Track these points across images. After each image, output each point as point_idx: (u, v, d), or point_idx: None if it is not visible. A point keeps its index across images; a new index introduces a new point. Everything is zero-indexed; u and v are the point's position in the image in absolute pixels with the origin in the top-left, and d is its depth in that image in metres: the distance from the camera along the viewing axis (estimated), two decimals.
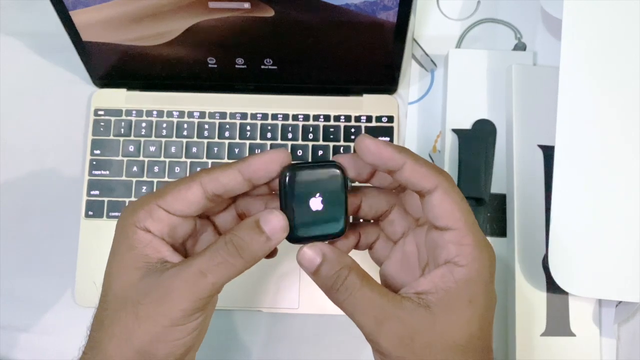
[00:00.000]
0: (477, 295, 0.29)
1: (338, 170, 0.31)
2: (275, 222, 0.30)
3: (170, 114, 0.56)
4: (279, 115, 0.56)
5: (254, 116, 0.56)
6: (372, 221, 0.36)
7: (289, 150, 0.55)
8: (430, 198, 0.29)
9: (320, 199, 0.31)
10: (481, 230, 0.30)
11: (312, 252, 0.30)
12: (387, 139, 0.55)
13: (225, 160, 0.55)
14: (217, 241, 0.30)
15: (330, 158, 0.30)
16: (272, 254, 0.32)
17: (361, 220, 0.37)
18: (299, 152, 0.55)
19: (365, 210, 0.34)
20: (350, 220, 0.34)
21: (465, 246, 0.29)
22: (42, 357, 0.52)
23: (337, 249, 0.31)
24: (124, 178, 0.54)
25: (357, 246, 0.35)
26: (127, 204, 0.54)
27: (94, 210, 0.53)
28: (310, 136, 0.55)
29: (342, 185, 0.31)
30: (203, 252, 0.29)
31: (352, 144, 0.55)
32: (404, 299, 0.29)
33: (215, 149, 0.55)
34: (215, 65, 0.53)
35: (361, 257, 0.34)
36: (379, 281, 0.34)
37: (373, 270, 0.35)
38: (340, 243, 0.34)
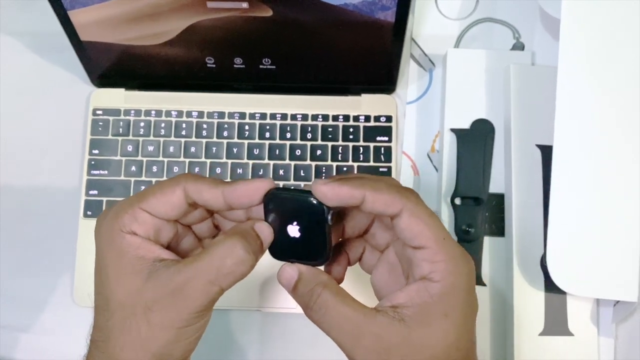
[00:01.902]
0: (454, 307, 0.29)
1: (316, 203, 0.30)
2: (267, 231, 0.31)
3: (168, 113, 0.56)
4: (277, 115, 0.56)
5: (252, 116, 0.56)
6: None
7: (288, 149, 0.55)
8: (399, 221, 0.30)
9: (298, 227, 0.31)
10: (454, 242, 0.30)
11: (290, 270, 0.31)
12: (386, 138, 0.55)
13: (224, 160, 0.55)
14: (222, 244, 0.30)
15: (312, 183, 0.30)
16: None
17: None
18: (298, 152, 0.55)
19: (348, 233, 0.34)
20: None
21: (438, 262, 0.29)
22: (40, 356, 0.52)
23: (313, 267, 0.32)
24: (122, 178, 0.54)
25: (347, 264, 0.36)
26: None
27: (92, 210, 0.54)
28: (309, 136, 0.55)
29: (320, 218, 0.30)
30: (210, 256, 0.29)
31: (350, 144, 0.55)
32: (378, 314, 0.29)
33: (214, 148, 0.55)
34: (214, 65, 0.53)
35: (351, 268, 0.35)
36: (370, 291, 0.35)
37: (363, 278, 0.36)
38: (334, 269, 0.35)
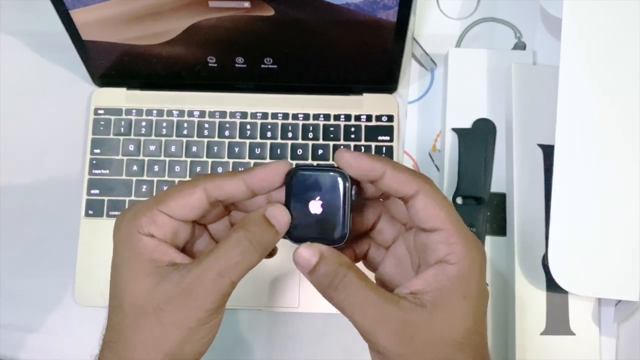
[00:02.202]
0: (470, 290, 0.30)
1: (342, 179, 0.31)
2: (280, 216, 0.31)
3: (170, 113, 0.56)
4: (279, 115, 0.56)
5: (254, 115, 0.56)
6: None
7: (290, 149, 0.55)
8: (414, 202, 0.30)
9: (320, 202, 0.31)
10: (468, 228, 0.31)
11: (309, 251, 0.30)
12: (387, 138, 0.55)
13: (225, 159, 0.55)
14: (229, 239, 0.30)
15: (335, 156, 0.31)
16: (272, 253, 0.33)
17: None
18: (299, 151, 0.55)
19: (356, 227, 0.34)
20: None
21: (454, 244, 0.29)
22: (42, 356, 0.52)
23: (334, 249, 0.31)
24: (124, 177, 0.54)
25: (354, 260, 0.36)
26: (127, 203, 0.54)
27: (94, 209, 0.54)
28: (311, 135, 0.55)
29: (344, 192, 0.31)
30: (217, 252, 0.30)
31: (352, 144, 0.55)
32: (401, 299, 0.29)
33: (215, 148, 0.55)
34: (215, 65, 0.53)
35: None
36: None
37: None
38: None
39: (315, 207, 0.31)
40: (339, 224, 0.31)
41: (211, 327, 0.30)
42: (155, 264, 0.30)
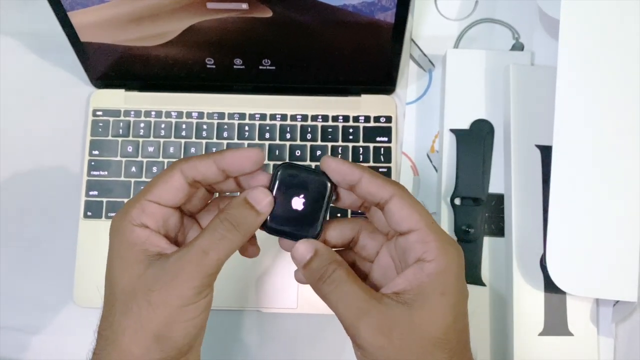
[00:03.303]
0: (449, 287, 0.31)
1: (327, 182, 0.33)
2: (262, 196, 0.33)
3: (168, 114, 0.56)
4: (277, 116, 0.56)
5: (252, 116, 0.56)
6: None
7: (288, 150, 0.55)
8: (389, 207, 0.32)
9: (303, 200, 0.33)
10: (442, 229, 0.32)
11: (305, 247, 0.33)
12: (385, 139, 0.55)
13: None
14: (212, 221, 0.32)
15: (320, 161, 0.34)
16: (255, 252, 0.36)
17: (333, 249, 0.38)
18: (297, 153, 0.55)
19: (332, 242, 0.36)
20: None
21: (429, 242, 0.31)
22: (40, 357, 0.52)
23: (328, 247, 0.33)
24: (122, 178, 0.54)
25: None
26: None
27: (92, 210, 0.54)
28: (309, 136, 0.55)
29: (325, 193, 0.33)
30: (202, 233, 0.32)
31: (350, 145, 0.55)
32: (384, 296, 0.31)
33: (214, 149, 0.55)
34: (214, 66, 0.53)
35: None
36: None
37: None
38: None
39: (298, 203, 0.33)
40: (315, 223, 0.33)
41: (199, 308, 0.31)
42: (145, 252, 0.31)
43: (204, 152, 0.55)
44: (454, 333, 0.31)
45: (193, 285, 0.30)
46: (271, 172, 0.34)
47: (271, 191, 0.33)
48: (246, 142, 0.55)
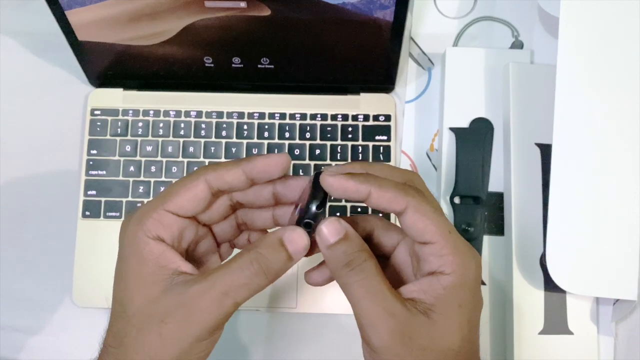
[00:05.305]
0: (466, 299, 0.30)
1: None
2: (300, 242, 0.30)
3: (167, 113, 0.55)
4: (276, 115, 0.55)
5: (251, 115, 0.55)
6: None
7: (287, 149, 0.55)
8: (404, 219, 0.30)
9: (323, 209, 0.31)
10: (460, 236, 0.31)
11: (336, 225, 0.30)
12: (385, 137, 0.55)
13: (223, 160, 0.55)
14: (241, 258, 0.30)
15: (322, 173, 0.31)
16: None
17: None
18: (297, 152, 0.55)
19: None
20: None
21: (446, 256, 0.29)
22: (39, 357, 0.52)
23: (359, 235, 0.31)
24: (120, 178, 0.54)
25: None
26: (124, 204, 0.53)
27: (90, 210, 0.53)
28: (308, 135, 0.55)
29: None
30: (226, 269, 0.29)
31: (349, 143, 0.55)
32: (408, 301, 0.30)
33: (212, 148, 0.55)
34: (212, 65, 0.53)
35: None
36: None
37: None
38: None
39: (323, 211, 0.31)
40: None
41: (209, 344, 0.30)
42: (161, 270, 0.29)
43: (202, 152, 0.55)
44: (469, 344, 0.30)
45: (207, 326, 0.29)
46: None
47: (309, 199, 0.31)
48: (245, 142, 0.55)
